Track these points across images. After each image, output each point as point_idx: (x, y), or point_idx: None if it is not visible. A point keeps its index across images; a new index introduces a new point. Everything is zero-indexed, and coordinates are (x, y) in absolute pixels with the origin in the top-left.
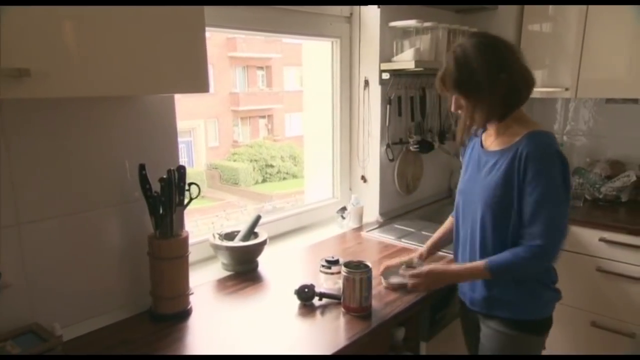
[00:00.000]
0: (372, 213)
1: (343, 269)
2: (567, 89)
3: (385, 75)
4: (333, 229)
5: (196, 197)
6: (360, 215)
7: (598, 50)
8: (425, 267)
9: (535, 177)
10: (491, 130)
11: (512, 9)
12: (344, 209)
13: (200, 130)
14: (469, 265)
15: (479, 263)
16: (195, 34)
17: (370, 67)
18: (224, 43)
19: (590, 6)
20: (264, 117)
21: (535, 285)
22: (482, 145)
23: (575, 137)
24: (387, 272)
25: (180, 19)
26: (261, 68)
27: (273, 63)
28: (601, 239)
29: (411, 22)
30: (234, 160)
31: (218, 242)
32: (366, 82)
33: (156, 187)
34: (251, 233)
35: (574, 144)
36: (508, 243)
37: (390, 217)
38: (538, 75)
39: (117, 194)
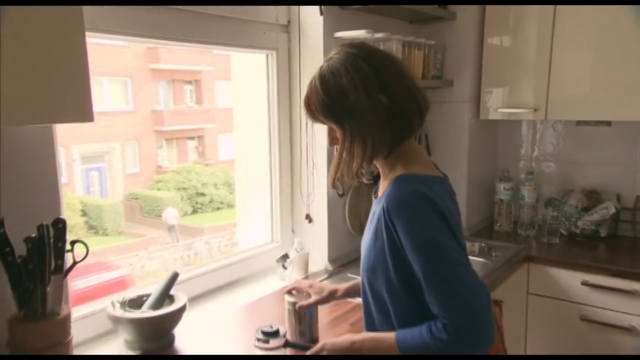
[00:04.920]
0: (320, 260)
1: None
2: (536, 110)
3: None
4: (273, 282)
5: (82, 260)
6: (306, 263)
7: (566, 66)
8: (320, 345)
9: (405, 237)
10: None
11: (472, 19)
12: (285, 256)
13: (116, 154)
14: (375, 336)
15: (388, 336)
16: (72, 46)
17: None
18: (144, 53)
19: (557, 16)
20: (193, 138)
21: None
22: (375, 192)
23: (544, 164)
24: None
25: (50, 26)
26: (189, 82)
27: (203, 76)
28: (584, 283)
29: (360, 33)
30: (158, 189)
31: (119, 313)
32: None
33: (22, 249)
34: (165, 296)
35: (543, 170)
36: (392, 322)
37: (341, 263)
38: (500, 94)
39: None
